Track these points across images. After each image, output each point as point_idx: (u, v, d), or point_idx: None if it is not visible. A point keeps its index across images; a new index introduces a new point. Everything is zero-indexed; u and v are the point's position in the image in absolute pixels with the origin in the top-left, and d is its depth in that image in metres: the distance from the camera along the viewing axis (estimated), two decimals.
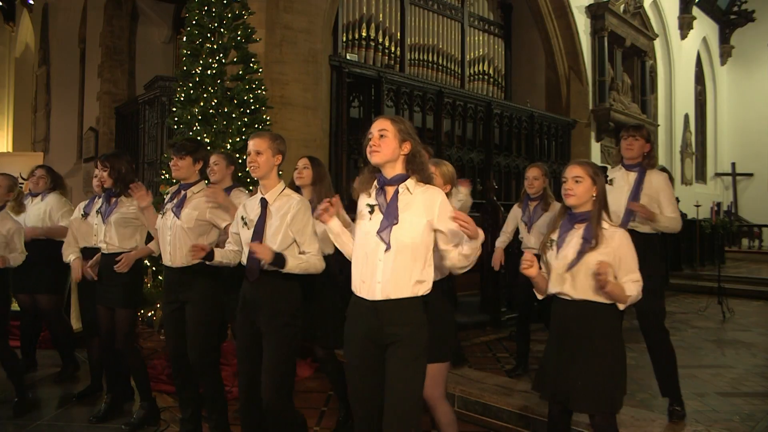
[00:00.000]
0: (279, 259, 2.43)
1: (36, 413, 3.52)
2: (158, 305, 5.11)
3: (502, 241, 4.35)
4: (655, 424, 3.09)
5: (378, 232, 2.04)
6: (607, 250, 2.24)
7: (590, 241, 2.25)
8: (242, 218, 2.62)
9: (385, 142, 2.06)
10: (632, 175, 3.27)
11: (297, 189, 3.18)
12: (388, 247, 2.02)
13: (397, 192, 2.08)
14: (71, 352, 4.27)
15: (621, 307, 2.27)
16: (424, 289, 2.07)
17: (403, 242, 2.02)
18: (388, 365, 2.03)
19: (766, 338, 5.48)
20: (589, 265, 2.23)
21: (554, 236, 2.39)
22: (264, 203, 2.57)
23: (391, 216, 2.03)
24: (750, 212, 15.93)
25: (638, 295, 2.25)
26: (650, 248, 3.16)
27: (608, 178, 3.34)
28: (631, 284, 2.24)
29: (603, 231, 2.27)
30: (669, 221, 3.19)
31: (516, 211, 4.23)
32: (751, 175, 16.48)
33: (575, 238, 2.31)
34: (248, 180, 4.64)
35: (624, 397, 2.30)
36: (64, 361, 4.25)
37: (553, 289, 2.37)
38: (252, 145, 2.59)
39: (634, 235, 3.13)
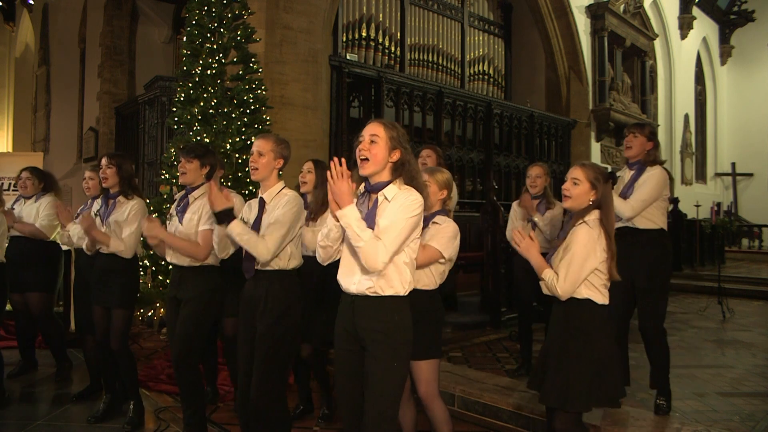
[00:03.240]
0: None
1: (36, 413, 3.53)
2: (158, 305, 5.11)
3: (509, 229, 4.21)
4: (655, 423, 3.09)
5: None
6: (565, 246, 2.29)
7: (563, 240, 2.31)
8: (242, 218, 2.66)
9: (375, 149, 2.05)
10: (630, 173, 3.25)
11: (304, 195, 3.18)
12: None
13: (377, 200, 2.07)
14: (63, 351, 4.27)
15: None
16: (403, 290, 2.04)
17: None
18: (365, 365, 2.04)
19: (766, 338, 5.48)
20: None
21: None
22: (262, 203, 2.63)
23: (367, 225, 2.02)
24: (750, 212, 15.93)
25: (552, 286, 2.26)
26: (654, 246, 3.15)
27: (616, 177, 3.34)
28: (551, 272, 2.27)
29: (572, 228, 2.30)
30: (625, 204, 3.08)
31: (516, 210, 4.19)
32: (751, 175, 16.48)
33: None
34: (248, 180, 4.64)
35: (591, 403, 2.27)
36: (58, 361, 4.25)
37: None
38: (255, 145, 2.60)
39: (636, 232, 3.14)
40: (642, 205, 3.10)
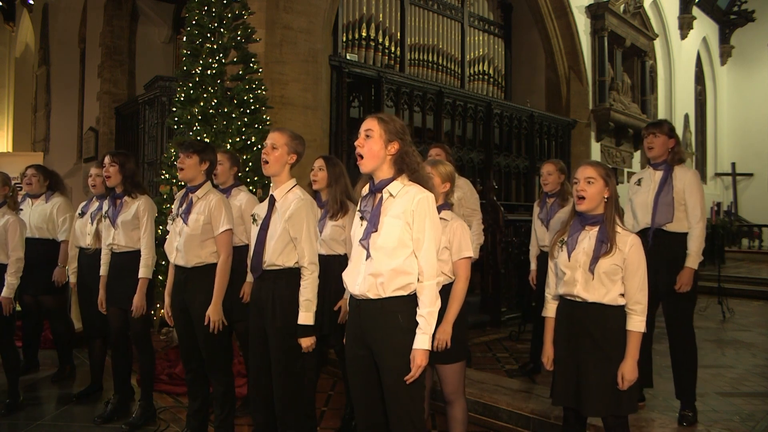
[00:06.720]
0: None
1: (37, 413, 3.53)
2: (158, 305, 5.11)
3: (534, 255, 4.14)
4: (654, 424, 3.09)
5: (360, 241, 2.06)
6: (619, 254, 2.21)
7: (606, 244, 2.21)
8: (253, 215, 2.69)
9: (369, 143, 2.03)
10: (658, 174, 3.15)
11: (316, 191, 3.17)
12: (368, 256, 2.02)
13: (381, 198, 2.06)
14: (70, 352, 4.29)
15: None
16: (407, 290, 2.01)
17: (381, 247, 2.00)
18: (380, 373, 2.04)
19: (766, 338, 5.48)
20: (601, 269, 2.20)
21: (564, 237, 2.34)
22: (272, 200, 2.62)
23: (371, 224, 2.03)
24: (750, 212, 15.91)
25: (644, 326, 2.22)
26: (681, 246, 3.09)
27: (637, 179, 3.28)
28: (637, 318, 2.21)
29: (616, 235, 2.23)
30: (699, 239, 3.05)
31: (535, 210, 4.16)
32: (751, 175, 16.47)
33: (587, 240, 2.27)
34: (248, 180, 4.64)
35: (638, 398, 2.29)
36: (61, 361, 4.26)
37: (561, 290, 2.33)
38: (269, 137, 2.59)
39: (667, 235, 3.08)
40: (703, 213, 3.08)
